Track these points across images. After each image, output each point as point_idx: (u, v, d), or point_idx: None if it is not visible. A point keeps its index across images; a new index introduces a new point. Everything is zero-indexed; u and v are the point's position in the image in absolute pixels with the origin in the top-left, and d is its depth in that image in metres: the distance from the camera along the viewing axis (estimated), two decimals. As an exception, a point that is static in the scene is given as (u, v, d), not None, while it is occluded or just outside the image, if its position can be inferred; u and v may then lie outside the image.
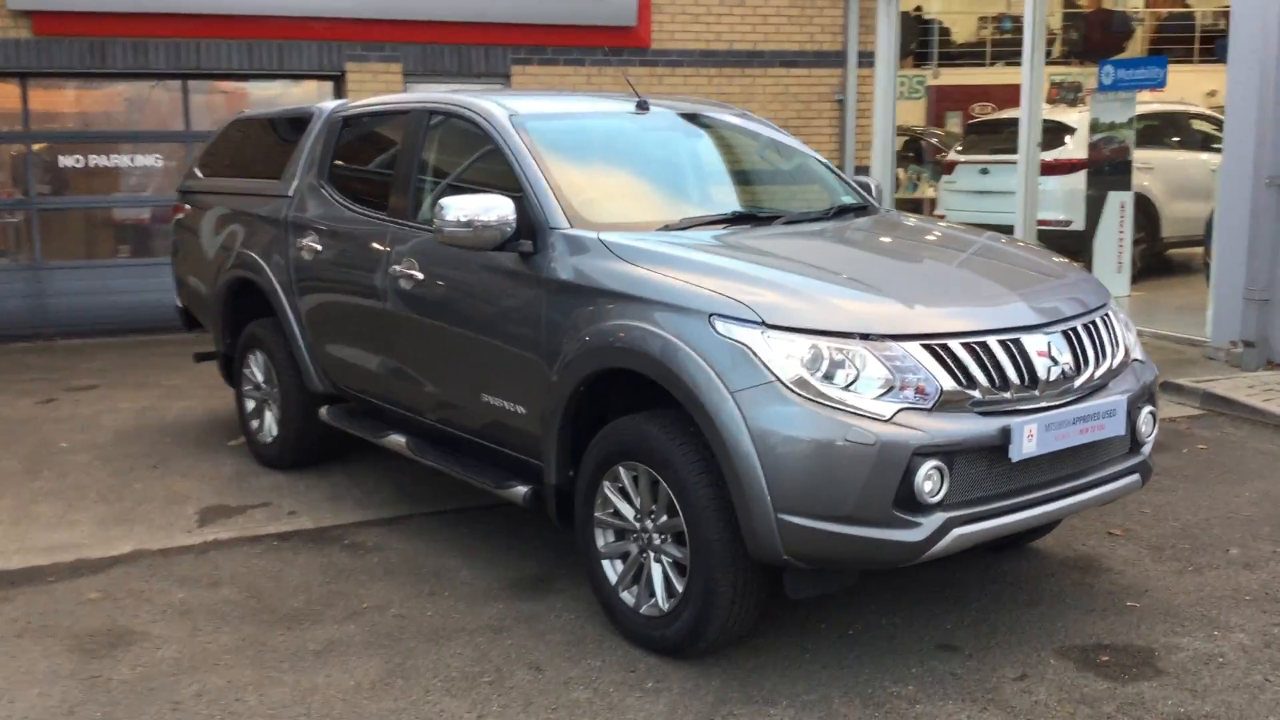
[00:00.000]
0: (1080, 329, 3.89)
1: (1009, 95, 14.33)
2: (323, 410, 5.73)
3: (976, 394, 3.54)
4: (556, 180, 4.36)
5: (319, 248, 5.52)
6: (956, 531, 3.49)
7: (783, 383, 3.46)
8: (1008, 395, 3.60)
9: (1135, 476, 4.02)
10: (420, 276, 4.80)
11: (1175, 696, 3.60)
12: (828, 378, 3.46)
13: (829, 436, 3.40)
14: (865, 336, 3.51)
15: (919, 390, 3.48)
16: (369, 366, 5.29)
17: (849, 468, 3.39)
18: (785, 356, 3.49)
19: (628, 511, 3.96)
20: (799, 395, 3.44)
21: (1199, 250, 11.39)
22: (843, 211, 4.91)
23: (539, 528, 5.01)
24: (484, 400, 4.53)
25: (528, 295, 4.27)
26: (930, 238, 4.84)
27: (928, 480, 3.42)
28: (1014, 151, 10.22)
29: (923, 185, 15.45)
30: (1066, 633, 4.04)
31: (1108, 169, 10.77)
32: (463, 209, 4.21)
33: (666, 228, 4.32)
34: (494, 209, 4.21)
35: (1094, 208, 10.86)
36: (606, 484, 3.98)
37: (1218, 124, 12.90)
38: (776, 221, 4.60)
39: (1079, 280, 4.23)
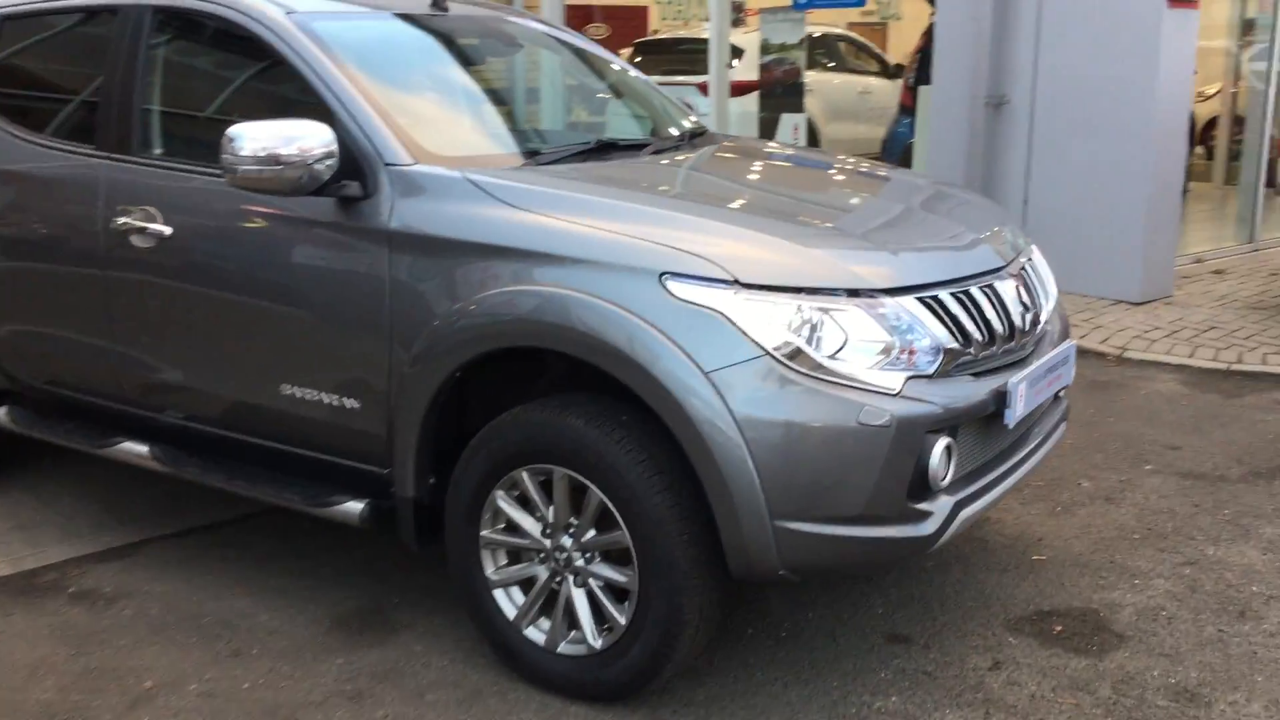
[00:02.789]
0: (1028, 268, 3.45)
1: (631, 16, 14.04)
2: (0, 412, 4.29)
3: (971, 352, 3.00)
4: (379, 101, 3.32)
5: (-21, 197, 4.06)
6: (963, 514, 2.95)
7: (773, 356, 2.74)
8: (995, 350, 3.09)
9: (1064, 423, 3.68)
10: (166, 232, 3.57)
11: (1158, 665, 3.30)
12: (818, 346, 2.78)
13: (838, 420, 2.73)
14: (855, 292, 2.85)
15: (914, 353, 2.88)
16: (76, 354, 3.97)
17: (863, 457, 2.74)
18: (768, 322, 2.77)
19: (531, 527, 3.10)
20: (794, 370, 2.74)
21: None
22: (695, 137, 4.19)
23: (333, 539, 3.98)
24: (285, 393, 3.44)
25: (358, 254, 3.23)
26: (835, 170, 4.19)
27: (941, 461, 2.84)
28: (688, 72, 9.85)
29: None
30: (1002, 602, 3.66)
31: (780, 91, 10.68)
32: (263, 140, 3.09)
33: (534, 161, 3.42)
34: (309, 140, 3.12)
35: (767, 130, 10.76)
36: (500, 493, 3.10)
37: (862, 48, 13.31)
38: (644, 151, 3.81)
39: (1004, 213, 3.80)
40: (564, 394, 3.05)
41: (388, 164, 3.20)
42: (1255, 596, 3.68)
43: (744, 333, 2.74)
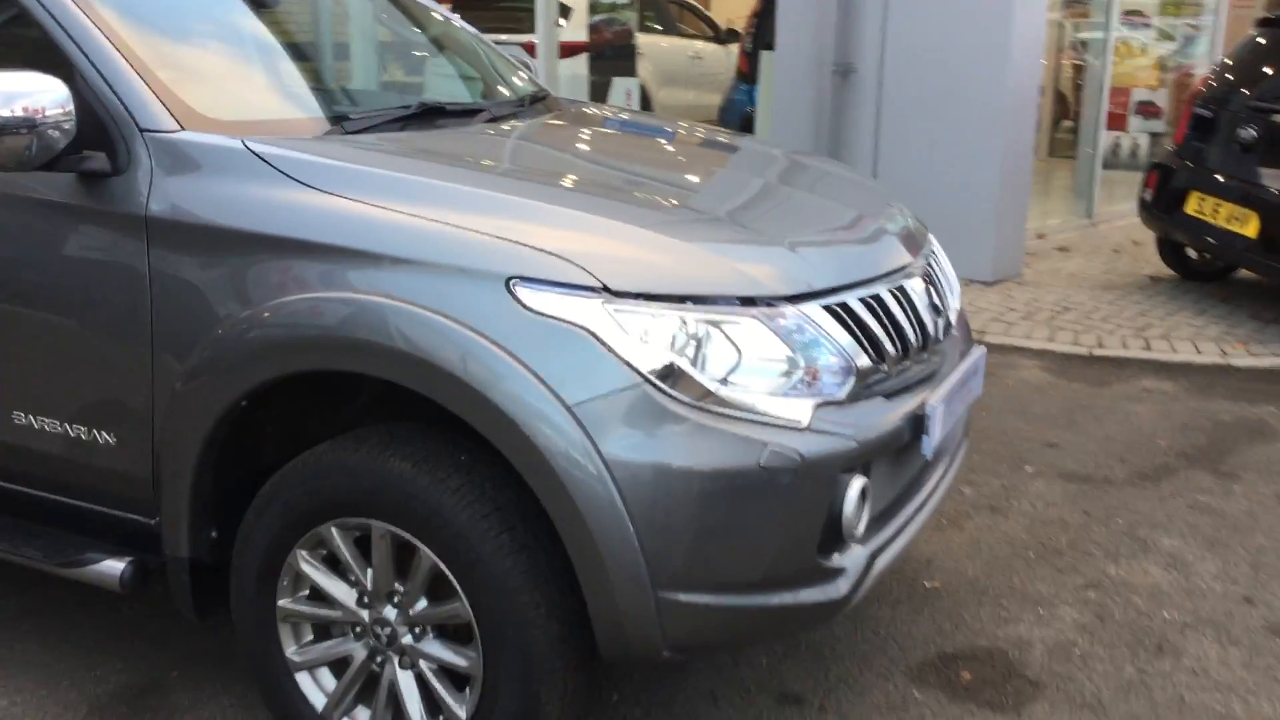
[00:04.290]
0: (932, 261, 2.95)
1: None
2: None
3: (885, 369, 2.47)
4: (136, 51, 2.56)
5: None
6: (878, 566, 2.43)
7: (653, 382, 2.15)
8: (908, 365, 2.58)
9: (966, 440, 3.21)
10: None
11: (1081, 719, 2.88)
12: (706, 368, 2.21)
13: (736, 462, 2.16)
14: (749, 300, 2.28)
15: (821, 374, 2.33)
16: None
17: (767, 508, 2.18)
18: (646, 340, 2.18)
19: (344, 594, 2.44)
20: (680, 401, 2.16)
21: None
22: (536, 101, 3.53)
23: (75, 600, 3.23)
24: (17, 423, 2.68)
25: (106, 245, 2.48)
26: (701, 143, 3.58)
27: (856, 507, 2.31)
28: (513, 31, 9.14)
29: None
30: (900, 644, 3.18)
31: (611, 53, 10.09)
32: (-26, 96, 2.32)
33: (340, 128, 2.72)
34: (36, 98, 2.35)
35: (599, 95, 10.15)
36: (302, 553, 2.43)
37: (692, 10, 12.80)
38: (477, 118, 3.14)
39: (884, 189, 3.29)
40: (386, 426, 2.39)
41: (144, 130, 2.46)
42: (1169, 626, 3.31)
43: (615, 353, 2.15)
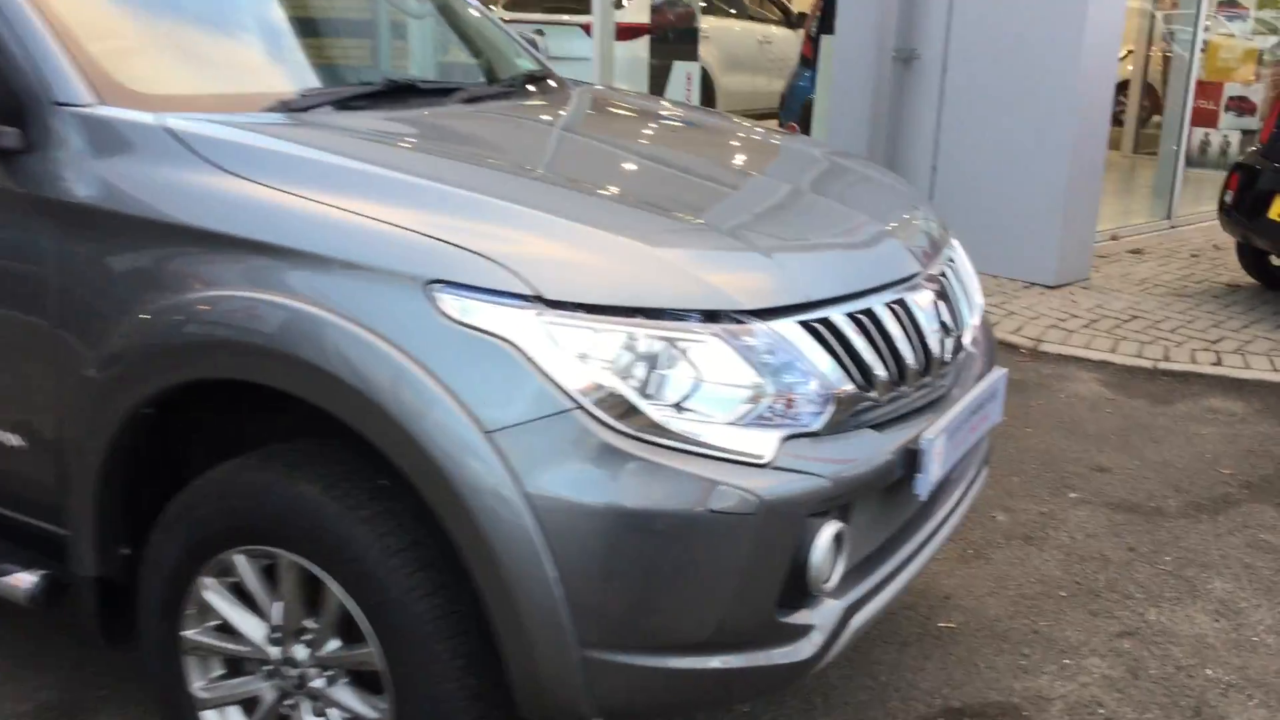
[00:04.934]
0: (949, 271, 2.62)
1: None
2: None
3: (874, 396, 2.15)
4: (60, 14, 2.32)
5: None
6: (855, 622, 2.12)
7: (588, 409, 1.86)
8: (905, 390, 2.25)
9: (985, 468, 2.87)
10: None
11: (1099, 797, 2.54)
12: (656, 394, 1.91)
13: (681, 504, 1.86)
14: (713, 315, 1.98)
15: (794, 401, 2.02)
16: None
17: (716, 558, 1.89)
18: (584, 359, 1.89)
19: (252, 629, 2.19)
20: (620, 432, 1.87)
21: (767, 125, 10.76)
22: (530, 82, 3.25)
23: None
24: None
25: (14, 230, 2.26)
26: (705, 133, 3.27)
27: (826, 556, 2.00)
28: (571, 12, 8.88)
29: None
30: (902, 694, 2.86)
31: (672, 36, 9.75)
32: None
33: (284, 106, 2.45)
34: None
35: (659, 78, 9.82)
36: (207, 580, 2.18)
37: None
38: (453, 97, 2.86)
39: (914, 194, 2.95)
40: (303, 443, 2.13)
41: (57, 104, 2.22)
42: (1210, 685, 2.94)
43: (546, 374, 1.86)
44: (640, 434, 1.87)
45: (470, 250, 1.92)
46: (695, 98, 9.74)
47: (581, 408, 1.85)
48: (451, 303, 1.89)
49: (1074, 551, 3.63)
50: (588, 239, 2.02)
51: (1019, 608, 3.28)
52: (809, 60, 9.06)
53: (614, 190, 2.34)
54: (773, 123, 9.70)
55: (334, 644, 2.10)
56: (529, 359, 1.86)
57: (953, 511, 2.54)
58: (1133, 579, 3.47)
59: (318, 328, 1.91)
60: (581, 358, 1.87)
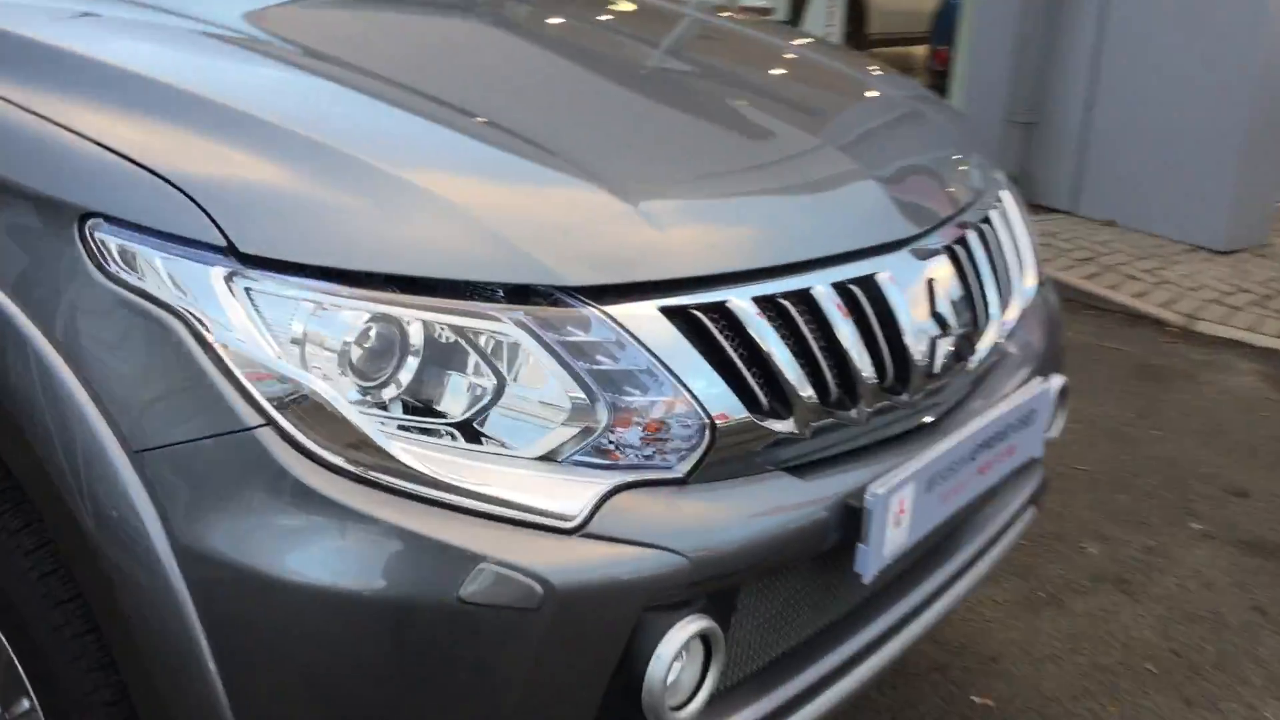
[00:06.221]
0: (972, 238, 1.83)
1: None
2: None
3: (788, 425, 1.42)
4: None
5: None
6: (735, 763, 1.42)
7: (280, 429, 1.20)
8: (852, 414, 1.50)
9: (1031, 510, 2.09)
10: None
11: None
12: (401, 412, 1.23)
13: (414, 588, 1.18)
14: (522, 292, 1.28)
15: (652, 431, 1.31)
16: None
17: (472, 676, 1.21)
18: (288, 351, 1.22)
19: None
20: (327, 466, 1.20)
21: (918, 51, 9.67)
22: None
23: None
24: None
25: None
26: (634, 18, 2.56)
27: (674, 669, 1.30)
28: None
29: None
30: (892, 801, 2.14)
31: (819, -50, 8.81)
32: None
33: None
34: None
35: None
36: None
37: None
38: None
39: (941, 114, 2.15)
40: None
41: None
42: (1337, 832, 2.12)
43: (227, 370, 1.20)
44: (365, 471, 1.20)
45: (145, 167, 1.26)
46: (840, 17, 8.80)
47: (275, 425, 1.19)
48: (114, 248, 1.25)
49: (1180, 607, 2.79)
50: (342, 170, 1.33)
51: (1087, 684, 2.49)
52: (962, -25, 8.00)
53: (478, 111, 1.61)
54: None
55: (23, 704, 1.52)
56: (205, 344, 1.21)
57: (954, 582, 1.78)
58: (1253, 655, 2.63)
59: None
60: (288, 349, 1.21)
